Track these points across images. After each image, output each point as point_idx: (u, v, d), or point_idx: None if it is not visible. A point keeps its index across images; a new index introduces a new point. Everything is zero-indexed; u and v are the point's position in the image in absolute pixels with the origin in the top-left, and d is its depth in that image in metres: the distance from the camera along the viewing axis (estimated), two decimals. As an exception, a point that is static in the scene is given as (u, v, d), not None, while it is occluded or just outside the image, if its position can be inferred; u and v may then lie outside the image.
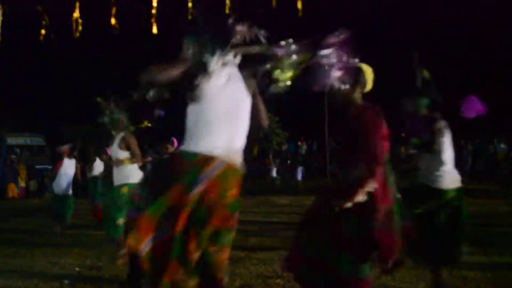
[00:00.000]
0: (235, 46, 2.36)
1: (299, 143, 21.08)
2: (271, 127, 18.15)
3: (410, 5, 24.24)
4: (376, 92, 2.87)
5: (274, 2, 4.38)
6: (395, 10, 23.80)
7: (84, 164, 12.23)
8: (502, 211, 9.92)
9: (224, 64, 2.33)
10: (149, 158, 8.72)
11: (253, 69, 2.45)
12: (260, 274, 4.42)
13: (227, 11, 4.20)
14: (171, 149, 6.15)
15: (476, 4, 21.06)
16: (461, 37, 23.25)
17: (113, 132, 5.61)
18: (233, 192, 2.33)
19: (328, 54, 2.44)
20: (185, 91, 2.38)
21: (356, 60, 2.59)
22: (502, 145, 18.19)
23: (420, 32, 23.29)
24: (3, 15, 5.14)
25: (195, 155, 2.28)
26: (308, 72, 2.48)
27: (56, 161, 8.74)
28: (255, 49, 2.41)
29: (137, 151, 5.49)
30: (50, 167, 16.69)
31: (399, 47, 18.93)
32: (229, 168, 2.30)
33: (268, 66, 2.41)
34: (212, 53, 2.27)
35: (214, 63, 2.28)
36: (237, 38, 2.34)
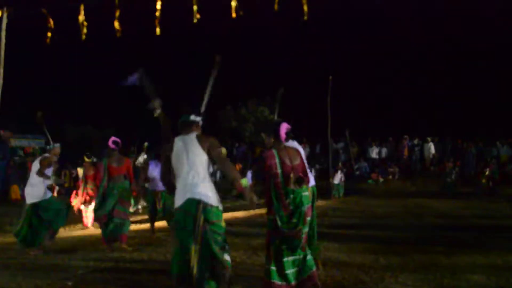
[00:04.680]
0: None
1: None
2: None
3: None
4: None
5: (276, 6, 4.36)
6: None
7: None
8: (505, 214, 9.89)
9: None
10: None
11: None
12: (262, 277, 4.40)
13: (233, 14, 4.19)
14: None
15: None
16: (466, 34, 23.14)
17: None
18: None
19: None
20: None
21: None
22: (506, 148, 18.14)
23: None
24: (8, 18, 5.18)
25: None
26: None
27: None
28: None
29: None
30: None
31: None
32: None
33: None
34: None
35: None
36: None
